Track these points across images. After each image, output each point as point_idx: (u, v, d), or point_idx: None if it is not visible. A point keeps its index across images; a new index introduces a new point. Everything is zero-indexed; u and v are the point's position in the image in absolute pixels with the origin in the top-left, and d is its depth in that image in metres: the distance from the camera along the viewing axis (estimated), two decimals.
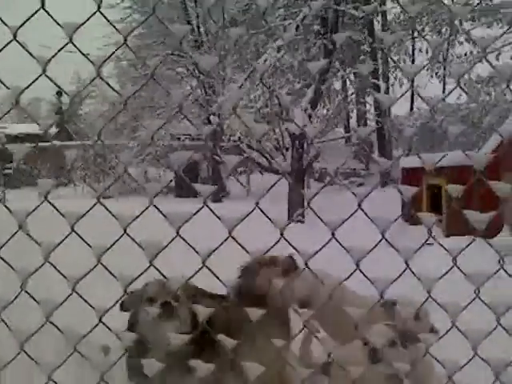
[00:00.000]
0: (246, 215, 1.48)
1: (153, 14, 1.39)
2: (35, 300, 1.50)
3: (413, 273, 1.55)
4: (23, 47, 1.34)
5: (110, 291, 1.74)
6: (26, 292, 1.49)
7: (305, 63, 13.36)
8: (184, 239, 1.48)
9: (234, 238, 1.46)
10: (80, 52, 1.37)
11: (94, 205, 1.47)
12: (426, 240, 1.60)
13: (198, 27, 17.61)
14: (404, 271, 1.55)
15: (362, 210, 1.53)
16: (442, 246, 1.70)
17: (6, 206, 1.47)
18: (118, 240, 1.48)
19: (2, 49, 1.35)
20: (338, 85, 19.97)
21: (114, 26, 1.63)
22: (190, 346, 2.18)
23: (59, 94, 33.71)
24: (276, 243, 1.55)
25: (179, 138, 18.54)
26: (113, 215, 1.45)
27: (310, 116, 11.82)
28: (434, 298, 1.61)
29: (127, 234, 1.46)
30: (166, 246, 1.46)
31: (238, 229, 1.47)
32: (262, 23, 15.69)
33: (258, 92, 14.45)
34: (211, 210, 1.49)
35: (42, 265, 1.47)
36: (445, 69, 21.53)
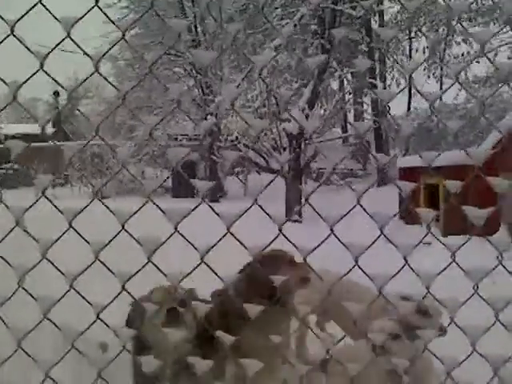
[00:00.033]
0: (244, 211, 1.47)
1: (151, 9, 1.38)
2: (32, 297, 1.49)
3: (411, 269, 1.55)
4: (21, 42, 1.33)
5: (107, 288, 1.73)
6: (24, 289, 1.49)
7: (303, 62, 13.38)
8: (182, 235, 1.48)
9: (232, 233, 1.46)
10: (78, 46, 1.37)
11: (92, 200, 1.47)
12: (425, 236, 1.60)
13: (196, 27, 17.62)
14: (403, 267, 1.55)
15: (361, 206, 1.53)
16: (440, 241, 1.70)
17: (2, 202, 1.46)
18: (115, 236, 1.48)
19: (0, 42, 1.34)
20: (335, 85, 20.04)
21: (113, 22, 1.63)
22: (197, 350, 2.19)
23: (56, 94, 33.65)
24: (274, 239, 1.55)
25: (176, 138, 18.55)
26: (110, 211, 1.45)
27: (307, 116, 11.82)
28: (433, 294, 1.61)
29: (125, 230, 1.46)
30: (164, 242, 1.45)
31: (235, 225, 1.47)
32: (259, 24, 15.72)
33: (256, 92, 14.47)
34: (209, 205, 1.49)
35: (40, 261, 1.47)
36: (442, 69, 21.59)
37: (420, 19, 18.75)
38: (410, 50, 23.46)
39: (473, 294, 1.62)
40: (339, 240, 1.51)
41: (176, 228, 1.45)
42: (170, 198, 17.98)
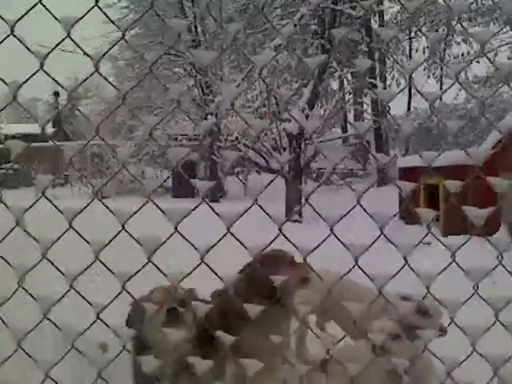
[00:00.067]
0: (244, 211, 1.47)
1: (151, 9, 1.38)
2: (32, 297, 1.49)
3: (411, 269, 1.55)
4: (21, 42, 1.33)
5: (107, 288, 1.73)
6: (24, 289, 1.49)
7: (303, 62, 13.38)
8: (182, 235, 1.48)
9: (232, 233, 1.46)
10: (78, 46, 1.37)
11: (92, 200, 1.47)
12: (425, 236, 1.60)
13: (196, 27, 17.62)
14: (403, 267, 1.55)
15: (361, 206, 1.53)
16: (440, 241, 1.70)
17: (3, 202, 1.46)
18: (115, 236, 1.48)
19: (0, 43, 1.34)
20: (335, 85, 20.03)
21: (113, 22, 1.63)
22: (197, 350, 2.18)
23: (56, 94, 33.67)
24: (274, 239, 1.55)
25: (176, 138, 18.56)
26: (110, 211, 1.45)
27: (307, 116, 11.83)
28: (433, 294, 1.61)
29: (125, 230, 1.46)
30: (164, 242, 1.45)
31: (235, 225, 1.47)
32: (259, 24, 15.72)
33: (256, 92, 14.47)
34: (209, 205, 1.49)
35: (40, 261, 1.47)
36: (442, 69, 21.59)
37: (420, 19, 18.75)
38: (410, 50, 23.46)
39: (473, 294, 1.62)
40: (339, 240, 1.51)
41: (176, 228, 1.45)
42: (170, 198, 17.99)
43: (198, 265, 1.48)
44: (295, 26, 12.14)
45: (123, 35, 1.42)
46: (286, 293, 2.61)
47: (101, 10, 1.42)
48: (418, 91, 1.57)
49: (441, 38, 18.07)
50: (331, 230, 1.49)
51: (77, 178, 21.99)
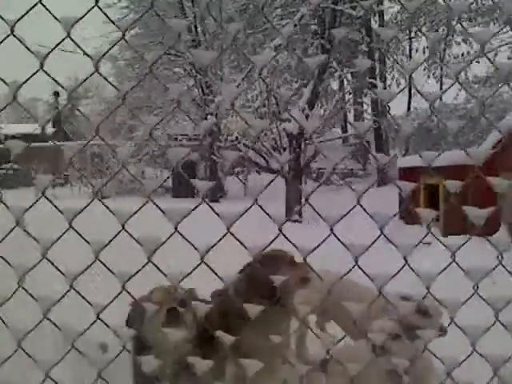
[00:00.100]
0: (244, 211, 1.47)
1: (151, 9, 1.38)
2: (32, 297, 1.49)
3: (411, 269, 1.55)
4: (21, 42, 1.33)
5: (107, 287, 1.73)
6: (24, 289, 1.49)
7: (303, 62, 13.38)
8: (182, 235, 1.48)
9: (232, 233, 1.46)
10: (78, 46, 1.37)
11: (92, 200, 1.47)
12: (425, 236, 1.60)
13: (196, 27, 17.62)
14: (403, 267, 1.55)
15: (361, 206, 1.52)
16: (440, 241, 1.70)
17: (3, 202, 1.46)
18: (115, 236, 1.48)
19: (0, 43, 1.34)
20: (335, 85, 20.03)
21: (113, 22, 1.63)
22: (197, 350, 2.18)
23: (56, 94, 33.67)
24: (274, 239, 1.55)
25: (176, 138, 18.56)
26: (110, 211, 1.45)
27: (307, 116, 11.82)
28: (433, 294, 1.61)
29: (125, 230, 1.46)
30: (164, 242, 1.45)
31: (235, 225, 1.47)
32: (259, 24, 15.71)
33: (256, 92, 14.47)
34: (209, 205, 1.49)
35: (40, 261, 1.47)
36: (442, 69, 21.59)
37: (420, 19, 18.75)
38: (410, 50, 23.46)
39: (473, 294, 1.62)
40: (339, 240, 1.51)
41: (176, 228, 1.45)
42: (170, 198, 17.99)
43: (198, 265, 1.48)
44: (295, 25, 12.14)
45: (123, 35, 1.42)
46: (286, 293, 2.61)
47: (101, 10, 1.42)
48: (418, 91, 1.57)
49: (441, 38, 18.07)
50: (331, 230, 1.49)
51: (77, 177, 22.00)
